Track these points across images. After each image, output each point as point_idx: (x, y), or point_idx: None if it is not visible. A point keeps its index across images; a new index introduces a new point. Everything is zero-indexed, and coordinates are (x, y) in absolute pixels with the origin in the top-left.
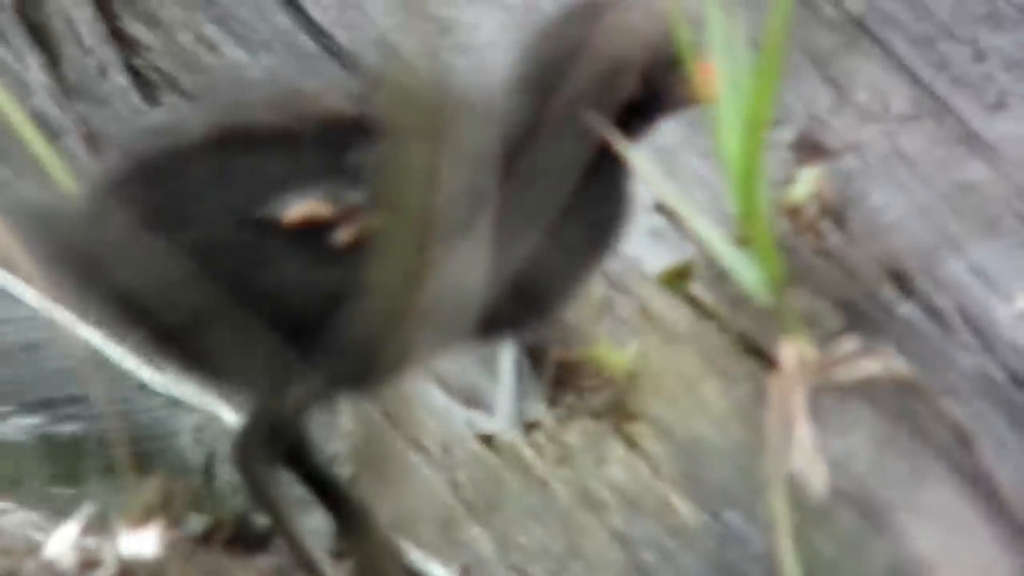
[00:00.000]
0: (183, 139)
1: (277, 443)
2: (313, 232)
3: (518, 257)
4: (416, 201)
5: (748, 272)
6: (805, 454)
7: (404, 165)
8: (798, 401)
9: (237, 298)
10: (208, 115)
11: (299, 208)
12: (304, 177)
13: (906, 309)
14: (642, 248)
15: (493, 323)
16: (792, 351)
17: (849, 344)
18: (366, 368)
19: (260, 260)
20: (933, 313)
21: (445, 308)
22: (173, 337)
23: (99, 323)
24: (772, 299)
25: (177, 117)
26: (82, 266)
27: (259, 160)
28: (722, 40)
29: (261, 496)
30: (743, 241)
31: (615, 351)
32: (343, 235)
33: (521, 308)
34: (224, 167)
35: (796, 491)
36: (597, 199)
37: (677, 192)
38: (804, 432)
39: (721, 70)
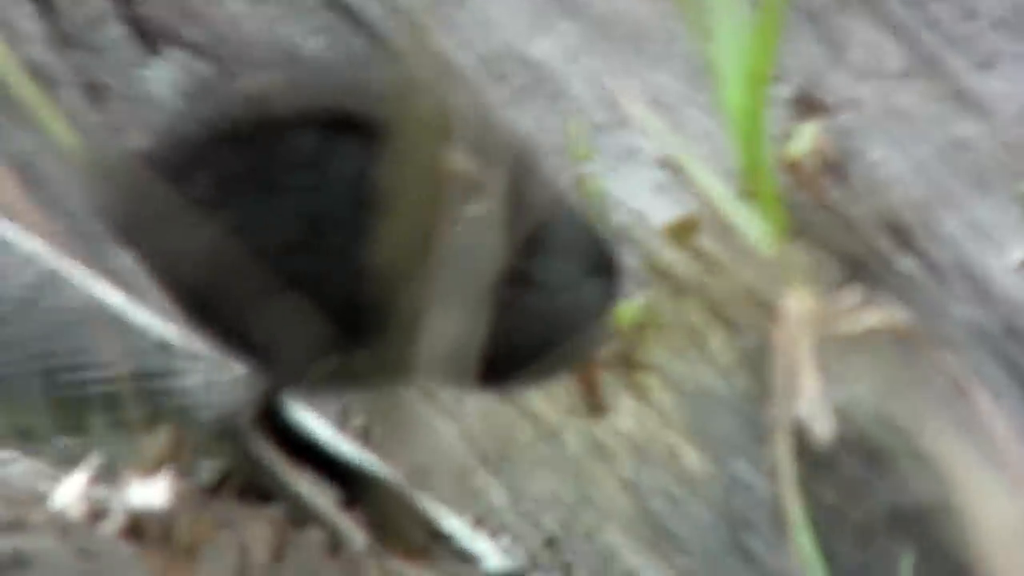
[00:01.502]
0: (276, 112)
1: (280, 414)
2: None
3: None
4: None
5: (752, 224)
6: (810, 402)
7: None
8: (803, 350)
9: (300, 273)
10: (299, 92)
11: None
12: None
13: (904, 262)
14: (647, 202)
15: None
16: (796, 302)
17: (851, 296)
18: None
19: (341, 243)
20: (930, 266)
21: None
22: (219, 304)
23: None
24: (776, 251)
25: (258, 89)
26: (147, 222)
27: (370, 153)
28: None
29: (253, 462)
30: (746, 194)
31: (623, 304)
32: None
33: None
34: (333, 149)
35: (800, 439)
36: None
37: (681, 146)
38: (809, 381)
39: (723, 26)
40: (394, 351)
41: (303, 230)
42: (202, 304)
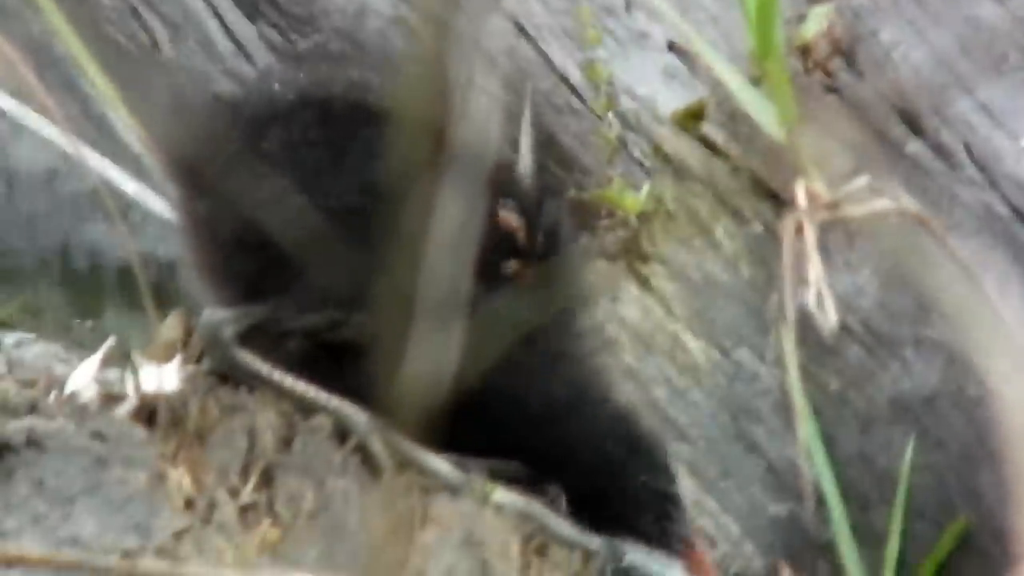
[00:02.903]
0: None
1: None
2: None
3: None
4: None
5: (762, 110)
6: (816, 291)
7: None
8: (810, 239)
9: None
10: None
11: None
12: None
13: (914, 146)
14: (655, 88)
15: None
16: (804, 189)
17: (859, 182)
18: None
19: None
20: (940, 150)
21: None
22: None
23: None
24: (785, 137)
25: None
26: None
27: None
28: None
29: (236, 372)
30: (757, 80)
31: (629, 192)
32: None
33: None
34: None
35: (805, 328)
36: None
37: (690, 30)
38: (816, 269)
39: None
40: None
41: (363, 197)
42: (247, 239)
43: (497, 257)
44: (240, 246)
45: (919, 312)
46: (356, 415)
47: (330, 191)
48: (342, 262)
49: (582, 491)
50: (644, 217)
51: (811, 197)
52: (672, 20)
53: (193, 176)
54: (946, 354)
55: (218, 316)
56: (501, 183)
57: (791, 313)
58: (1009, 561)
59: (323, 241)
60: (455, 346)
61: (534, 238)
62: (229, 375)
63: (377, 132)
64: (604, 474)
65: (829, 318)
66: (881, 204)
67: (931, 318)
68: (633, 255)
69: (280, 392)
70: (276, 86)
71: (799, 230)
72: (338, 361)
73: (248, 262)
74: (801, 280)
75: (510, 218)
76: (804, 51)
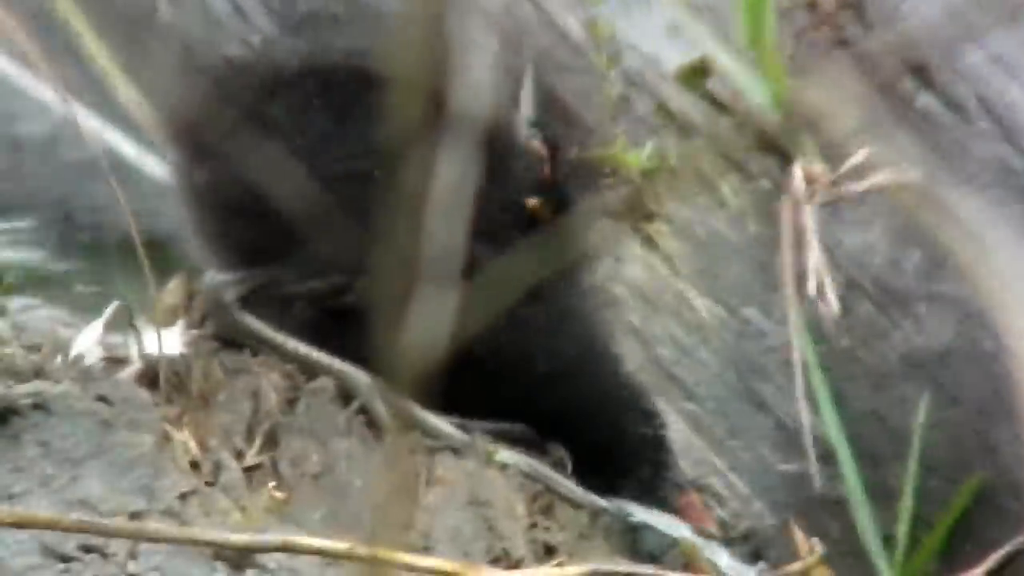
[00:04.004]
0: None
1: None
2: None
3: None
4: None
5: (756, 92)
6: (817, 279)
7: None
8: (809, 225)
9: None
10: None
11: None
12: None
13: (925, 100)
14: (659, 45)
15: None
16: (800, 173)
17: (858, 155)
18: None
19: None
20: (952, 103)
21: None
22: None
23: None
24: (780, 121)
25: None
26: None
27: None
28: None
29: (248, 330)
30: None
31: (632, 150)
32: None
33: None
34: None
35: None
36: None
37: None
38: (815, 256)
39: None
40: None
41: (364, 163)
42: (249, 205)
43: (507, 212)
44: (242, 212)
45: (931, 268)
46: (359, 376)
47: (332, 157)
48: (344, 228)
49: (585, 447)
50: (648, 175)
51: (808, 179)
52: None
53: (194, 141)
54: (960, 309)
55: (220, 279)
56: (503, 137)
57: (795, 298)
58: None
59: (326, 207)
60: (456, 306)
61: (556, 170)
62: (232, 338)
63: (378, 97)
64: (606, 428)
65: (831, 305)
66: (883, 178)
67: (943, 273)
68: (637, 213)
69: (283, 355)
70: (278, 54)
71: (798, 215)
72: (342, 325)
73: (250, 227)
74: (803, 266)
75: (538, 146)
76: (812, 5)
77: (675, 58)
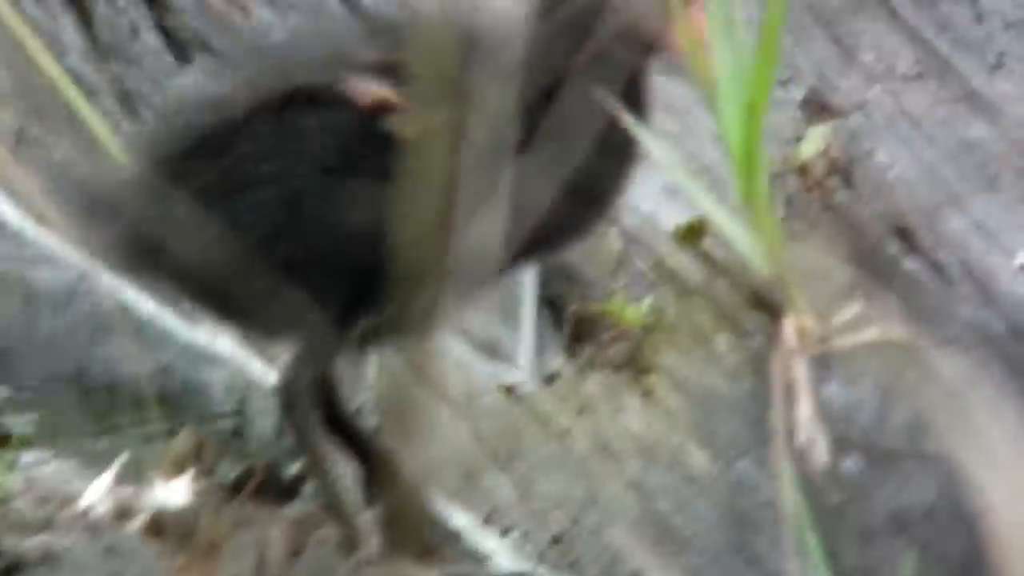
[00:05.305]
0: (237, 106)
1: (317, 388)
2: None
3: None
4: (441, 158)
5: (751, 249)
6: (808, 430)
7: (430, 122)
8: (800, 377)
9: (298, 248)
10: (254, 82)
11: (372, 90)
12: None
13: (910, 263)
14: (658, 204)
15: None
16: (792, 326)
17: (849, 310)
18: (402, 316)
19: (326, 213)
20: (936, 267)
21: (470, 257)
22: (223, 293)
23: (148, 287)
24: (773, 277)
25: (214, 85)
26: (135, 236)
27: (324, 119)
28: (723, 25)
29: (302, 437)
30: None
31: (631, 305)
32: (401, 124)
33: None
34: (289, 129)
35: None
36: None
37: (691, 151)
38: (807, 409)
39: (722, 55)
40: (416, 291)
41: (283, 214)
42: (221, 305)
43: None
44: (219, 306)
45: (916, 425)
46: (367, 533)
47: (251, 222)
48: (354, 280)
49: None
50: (646, 329)
51: (800, 333)
52: (670, 142)
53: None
54: (944, 468)
55: (290, 377)
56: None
57: (785, 432)
58: None
59: (283, 269)
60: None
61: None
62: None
63: (269, 143)
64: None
65: (822, 454)
66: (871, 334)
67: (928, 432)
68: (636, 367)
69: (314, 475)
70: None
71: (790, 368)
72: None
73: (234, 317)
74: (794, 418)
75: None
76: (802, 170)
77: (673, 217)
